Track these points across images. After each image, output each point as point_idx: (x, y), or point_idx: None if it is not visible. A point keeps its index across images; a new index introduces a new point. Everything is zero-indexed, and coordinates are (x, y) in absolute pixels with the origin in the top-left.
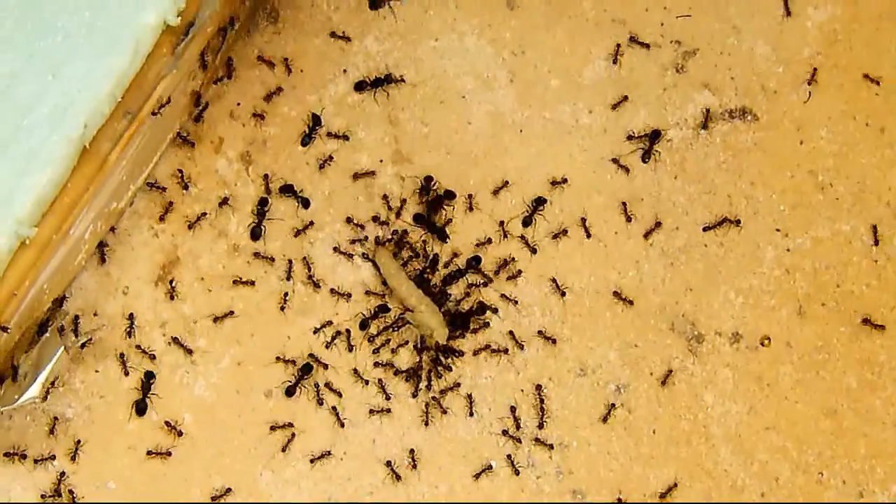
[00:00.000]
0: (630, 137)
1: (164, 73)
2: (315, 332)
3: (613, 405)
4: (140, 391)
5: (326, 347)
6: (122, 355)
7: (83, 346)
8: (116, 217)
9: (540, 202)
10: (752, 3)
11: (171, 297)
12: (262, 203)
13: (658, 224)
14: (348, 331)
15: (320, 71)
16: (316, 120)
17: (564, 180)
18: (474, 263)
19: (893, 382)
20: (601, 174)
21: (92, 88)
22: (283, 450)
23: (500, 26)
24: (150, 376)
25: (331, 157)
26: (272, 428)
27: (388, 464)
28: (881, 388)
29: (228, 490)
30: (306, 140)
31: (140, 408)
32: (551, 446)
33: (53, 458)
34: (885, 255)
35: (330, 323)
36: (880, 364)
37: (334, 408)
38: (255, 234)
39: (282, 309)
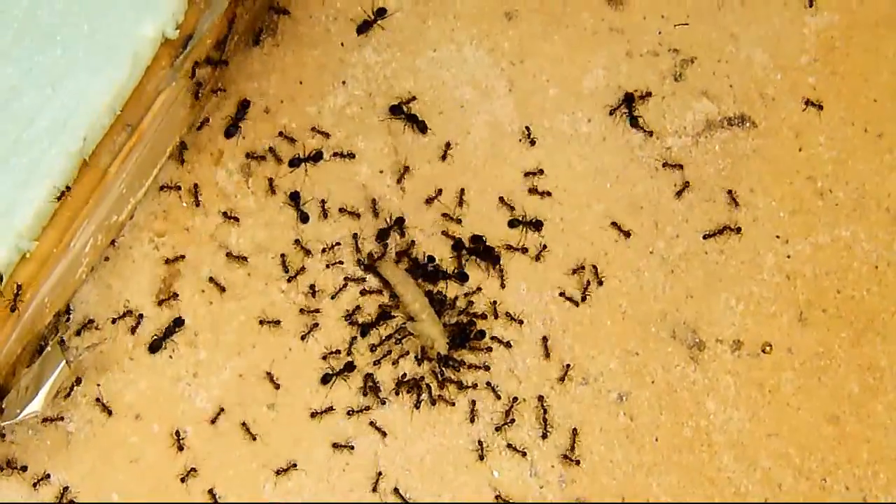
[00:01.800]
0: (612, 112)
1: (163, 86)
2: (345, 318)
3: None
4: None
5: (324, 360)
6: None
7: (77, 382)
8: (117, 230)
9: (538, 225)
10: (750, 11)
11: (167, 299)
12: (245, 105)
13: (600, 282)
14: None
15: (319, 82)
16: (318, 156)
17: (541, 171)
18: (461, 279)
19: (895, 388)
20: (601, 183)
21: (91, 101)
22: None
23: (499, 36)
24: (179, 322)
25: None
26: (277, 472)
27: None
28: (883, 393)
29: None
30: (295, 163)
31: (154, 346)
32: (541, 432)
33: (49, 476)
34: (885, 260)
35: (358, 308)
36: (882, 369)
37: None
38: (230, 132)
39: (303, 338)
